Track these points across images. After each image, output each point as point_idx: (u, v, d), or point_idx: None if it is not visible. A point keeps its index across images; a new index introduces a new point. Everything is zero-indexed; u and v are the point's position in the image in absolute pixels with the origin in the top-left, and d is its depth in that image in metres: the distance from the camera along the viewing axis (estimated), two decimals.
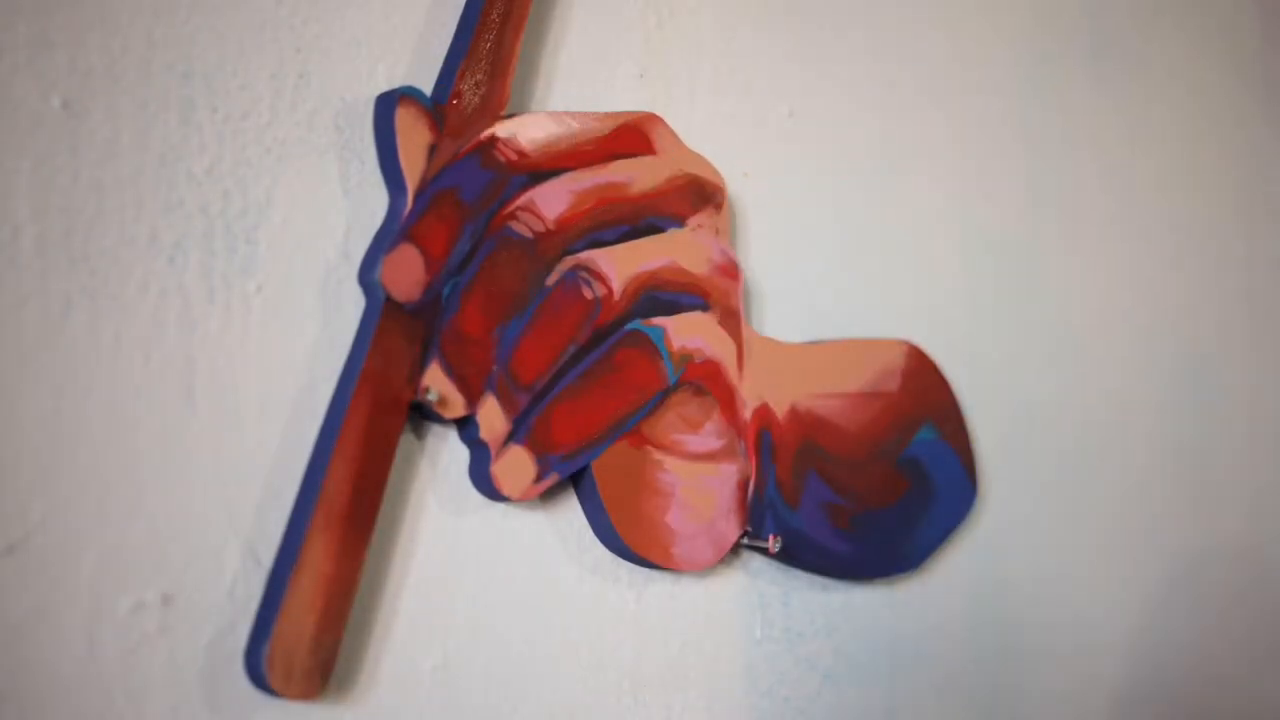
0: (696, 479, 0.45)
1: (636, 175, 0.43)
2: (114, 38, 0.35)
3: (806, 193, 0.54)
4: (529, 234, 0.40)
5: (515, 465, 0.40)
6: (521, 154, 0.41)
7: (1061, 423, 0.65)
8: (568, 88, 0.46)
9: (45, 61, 0.34)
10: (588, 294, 0.41)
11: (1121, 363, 0.70)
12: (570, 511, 0.43)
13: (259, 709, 0.35)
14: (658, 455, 0.44)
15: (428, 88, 0.41)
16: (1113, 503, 0.68)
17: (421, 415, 0.40)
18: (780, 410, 0.48)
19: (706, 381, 0.45)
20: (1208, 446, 0.74)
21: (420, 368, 0.38)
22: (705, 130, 0.50)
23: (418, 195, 0.39)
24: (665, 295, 0.44)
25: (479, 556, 0.41)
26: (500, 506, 0.42)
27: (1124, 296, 0.70)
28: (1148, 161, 0.73)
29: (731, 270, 0.46)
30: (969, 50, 0.63)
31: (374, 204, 0.40)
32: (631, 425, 0.43)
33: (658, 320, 0.43)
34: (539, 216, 0.40)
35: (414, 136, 0.39)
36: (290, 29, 0.39)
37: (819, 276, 0.54)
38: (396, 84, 0.41)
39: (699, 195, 0.46)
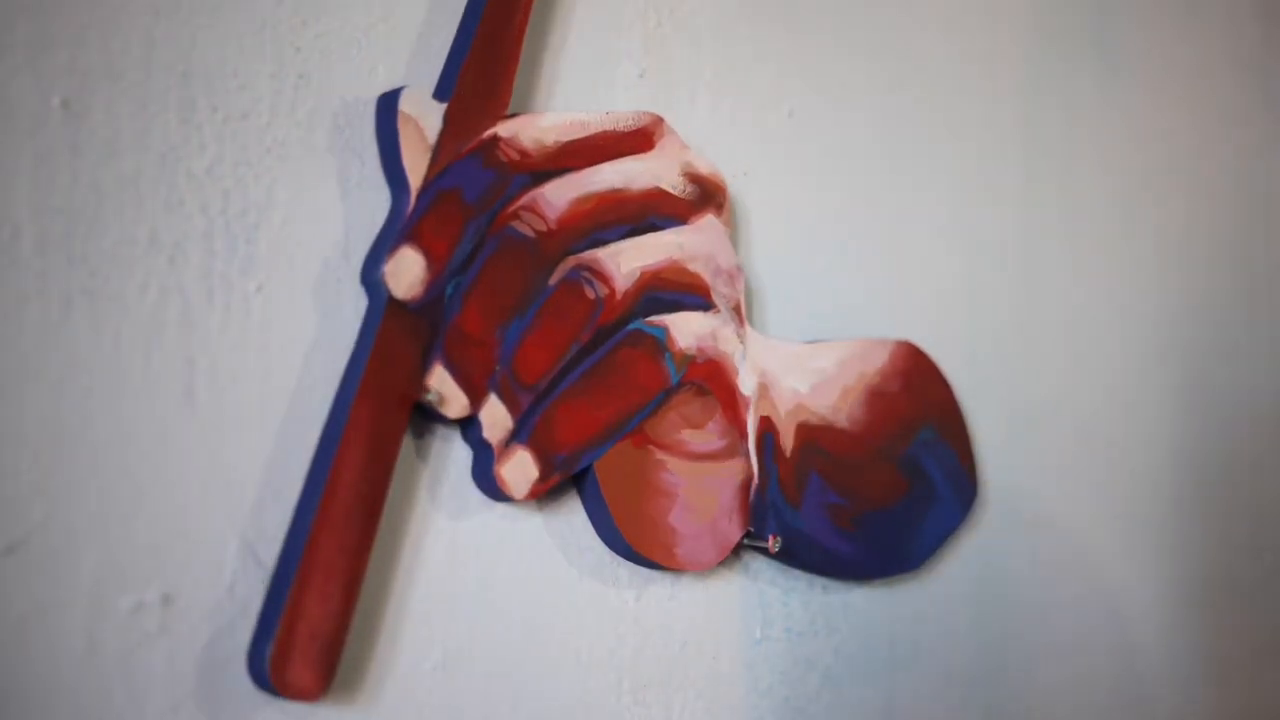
0: (699, 479, 0.45)
1: (638, 175, 0.43)
2: (114, 38, 0.35)
3: (806, 193, 0.54)
4: (531, 234, 0.40)
5: (518, 465, 0.40)
6: (524, 154, 0.41)
7: (1061, 423, 0.65)
8: (567, 88, 0.46)
9: (45, 61, 0.34)
10: (590, 294, 0.41)
11: (1121, 363, 0.70)
12: (570, 511, 0.43)
13: (259, 709, 0.35)
14: (660, 455, 0.44)
15: (428, 88, 0.41)
16: (1113, 503, 0.68)
17: (424, 415, 0.40)
18: (782, 411, 0.48)
19: (709, 381, 0.45)
20: (1207, 446, 0.74)
21: (423, 367, 0.38)
22: (705, 130, 0.50)
23: (420, 195, 0.39)
24: (667, 295, 0.44)
25: (479, 556, 0.41)
26: (501, 506, 0.42)
27: (1124, 296, 0.70)
28: (1148, 161, 0.73)
29: (732, 270, 0.46)
30: (969, 50, 0.63)
31: (374, 204, 0.40)
32: (634, 425, 0.43)
33: (660, 320, 0.43)
34: (541, 216, 0.40)
35: (416, 136, 0.39)
36: (290, 29, 0.39)
37: (819, 276, 0.54)
38: (396, 84, 0.41)
39: (700, 195, 0.46)
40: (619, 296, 0.42)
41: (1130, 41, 0.73)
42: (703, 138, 0.50)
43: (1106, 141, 0.71)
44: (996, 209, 0.63)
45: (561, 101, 0.46)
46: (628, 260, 0.42)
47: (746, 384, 0.47)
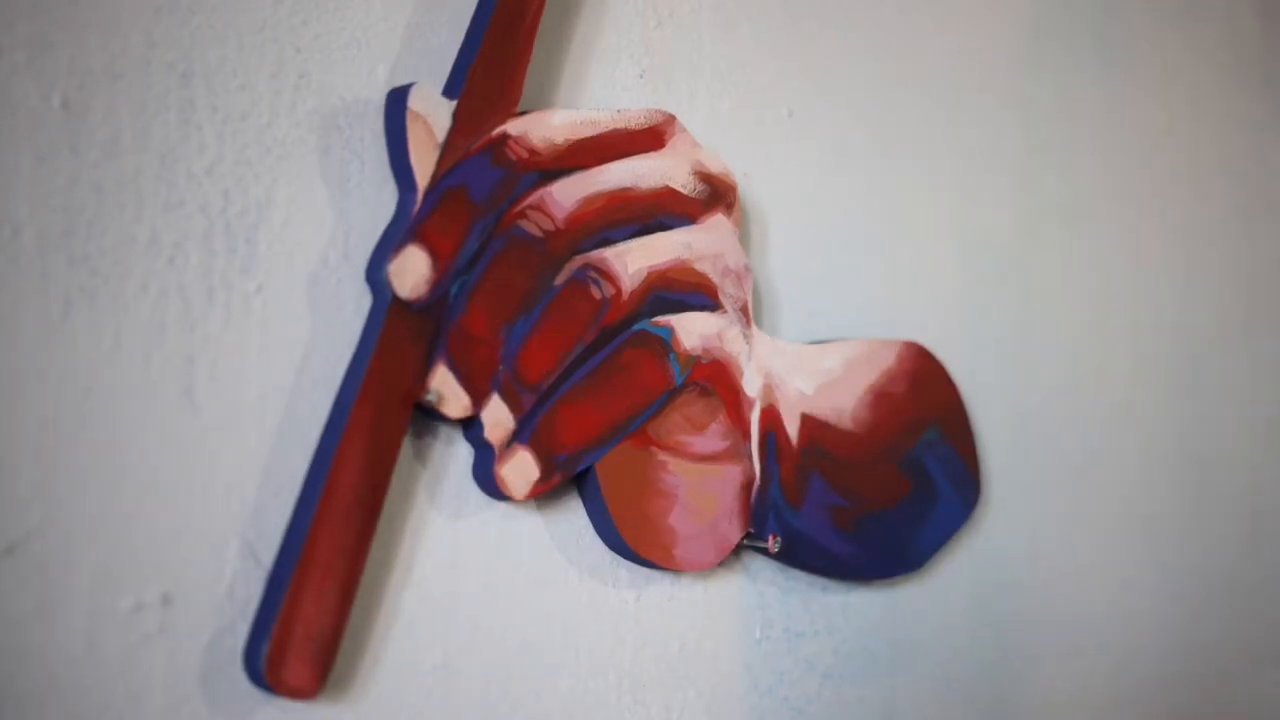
0: (700, 480, 0.45)
1: (648, 174, 0.43)
2: (114, 38, 0.35)
3: (807, 193, 0.54)
4: (538, 233, 0.40)
5: (520, 466, 0.40)
6: (532, 152, 0.40)
7: (1063, 424, 0.65)
8: (567, 88, 0.46)
9: (45, 61, 0.34)
10: (596, 294, 0.41)
11: (1122, 363, 0.70)
12: (571, 512, 0.43)
13: (258, 708, 0.35)
14: (662, 456, 0.44)
15: (432, 86, 0.41)
16: (1113, 504, 0.68)
17: (425, 415, 0.40)
18: (785, 412, 0.48)
19: (713, 382, 0.45)
20: (1208, 446, 0.74)
21: (426, 367, 0.38)
22: (705, 130, 0.50)
23: (427, 193, 0.39)
24: (673, 295, 0.43)
25: (479, 556, 0.41)
26: (501, 506, 0.42)
27: (1124, 296, 0.70)
28: (1148, 161, 0.73)
29: (740, 270, 0.46)
30: (969, 50, 0.63)
31: (374, 204, 0.40)
32: (637, 426, 0.43)
33: (665, 320, 0.43)
34: (549, 215, 0.40)
35: (425, 134, 0.39)
36: (290, 29, 0.39)
37: (821, 277, 0.54)
38: (396, 84, 0.41)
39: (710, 195, 0.45)
40: (625, 296, 0.42)
41: (1130, 41, 0.73)
42: (702, 138, 0.50)
43: (1107, 141, 0.71)
44: (996, 209, 0.63)
45: (559, 102, 0.46)
46: (635, 260, 0.42)
47: (751, 385, 0.47)
